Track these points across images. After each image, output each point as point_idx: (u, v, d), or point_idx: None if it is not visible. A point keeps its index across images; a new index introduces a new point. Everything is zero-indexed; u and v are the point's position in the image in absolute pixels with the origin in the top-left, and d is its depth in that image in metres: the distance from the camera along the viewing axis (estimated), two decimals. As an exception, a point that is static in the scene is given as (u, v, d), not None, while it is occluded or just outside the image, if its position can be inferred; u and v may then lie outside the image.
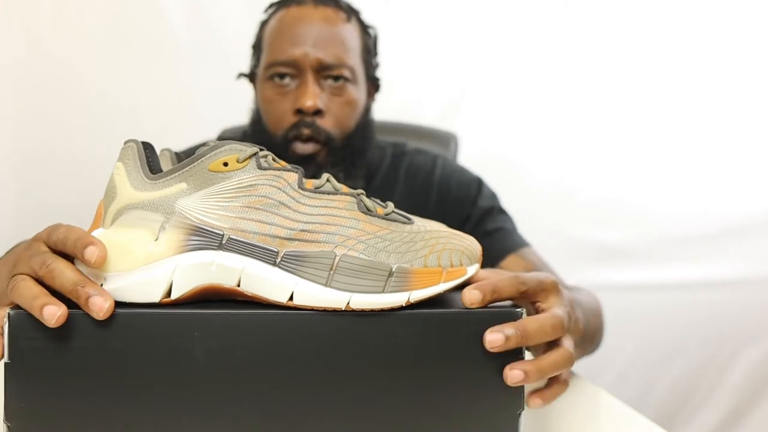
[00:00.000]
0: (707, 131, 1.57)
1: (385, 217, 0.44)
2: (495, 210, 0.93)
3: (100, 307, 0.39)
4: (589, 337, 0.69)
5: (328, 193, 0.44)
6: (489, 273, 0.48)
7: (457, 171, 0.97)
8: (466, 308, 0.43)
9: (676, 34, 1.55)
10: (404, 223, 0.44)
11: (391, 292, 0.41)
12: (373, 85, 0.94)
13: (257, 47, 0.92)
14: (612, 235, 1.57)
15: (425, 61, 1.53)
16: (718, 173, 1.57)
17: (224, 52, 1.40)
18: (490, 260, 0.79)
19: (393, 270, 0.42)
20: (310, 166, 0.84)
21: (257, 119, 0.91)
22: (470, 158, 1.23)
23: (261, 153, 0.44)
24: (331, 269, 0.41)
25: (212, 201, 0.42)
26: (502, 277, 0.44)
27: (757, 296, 1.58)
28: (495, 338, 0.41)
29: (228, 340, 0.41)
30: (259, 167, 0.43)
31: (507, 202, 0.97)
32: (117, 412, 0.41)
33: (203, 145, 0.45)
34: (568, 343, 0.46)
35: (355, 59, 0.88)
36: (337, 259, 0.41)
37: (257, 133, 0.90)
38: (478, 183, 0.95)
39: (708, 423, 1.60)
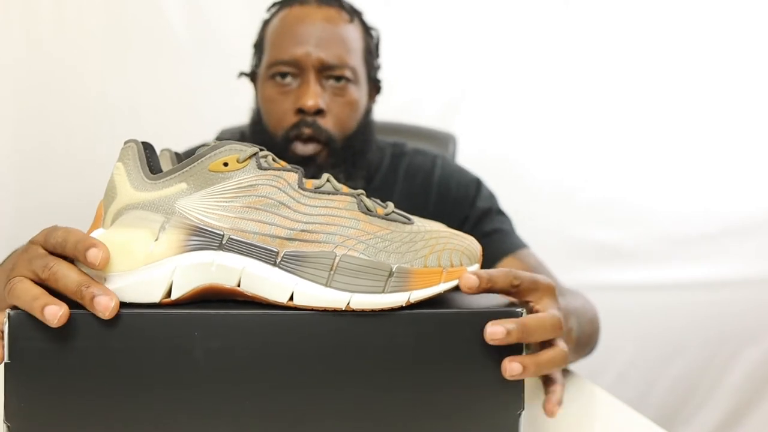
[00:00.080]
0: (707, 131, 1.57)
1: (385, 217, 0.44)
2: (493, 211, 0.93)
3: (105, 306, 0.39)
4: (582, 345, 0.70)
5: (329, 193, 0.44)
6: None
7: (456, 171, 0.97)
8: (467, 308, 0.43)
9: (676, 34, 1.55)
10: (404, 223, 0.44)
11: (391, 292, 0.41)
12: (375, 86, 0.94)
13: (259, 46, 0.92)
14: (612, 235, 1.57)
15: (425, 61, 1.53)
16: (718, 173, 1.57)
17: (224, 52, 1.40)
18: (487, 262, 0.79)
19: (393, 270, 0.42)
20: (310, 167, 0.84)
21: (257, 119, 0.91)
22: (470, 158, 1.23)
23: (261, 153, 0.44)
24: (331, 269, 0.41)
25: (212, 201, 0.42)
26: (498, 269, 0.45)
27: (757, 296, 1.58)
28: (496, 330, 0.41)
29: (228, 340, 0.41)
30: (260, 167, 0.43)
31: (507, 203, 0.97)
32: (117, 413, 0.41)
33: (203, 145, 0.45)
34: (562, 344, 0.46)
35: (357, 60, 0.88)
36: (338, 259, 0.41)
37: (257, 132, 0.89)
38: (477, 184, 0.95)
39: (708, 423, 1.60)
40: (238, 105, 1.00)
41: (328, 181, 0.45)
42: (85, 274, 0.40)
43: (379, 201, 0.45)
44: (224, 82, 1.31)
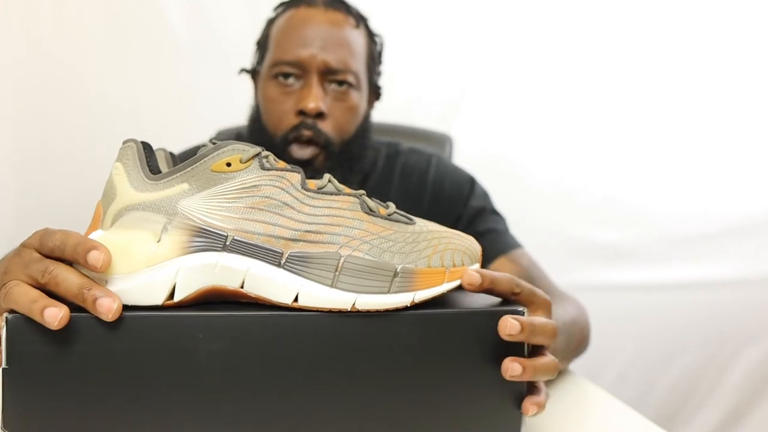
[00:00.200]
0: (707, 131, 1.57)
1: (388, 217, 0.44)
2: (487, 210, 0.93)
3: (108, 308, 0.38)
4: (566, 360, 0.70)
5: (331, 194, 0.43)
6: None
7: (450, 170, 0.97)
8: (473, 308, 0.43)
9: (675, 34, 1.55)
10: (406, 223, 0.44)
11: (396, 292, 0.41)
12: (374, 93, 0.94)
13: (262, 44, 0.92)
14: (612, 235, 1.57)
15: (425, 61, 1.53)
16: (718, 173, 1.57)
17: (224, 52, 1.40)
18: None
19: (398, 270, 0.42)
20: (306, 170, 0.84)
21: (256, 116, 0.90)
22: (470, 158, 1.23)
23: (263, 153, 0.44)
24: (336, 270, 0.41)
25: (215, 202, 0.41)
26: (502, 273, 0.46)
27: (757, 296, 1.58)
28: (515, 324, 0.42)
29: (233, 343, 0.40)
30: (262, 168, 0.43)
31: (507, 202, 0.97)
32: (119, 418, 0.40)
33: (201, 146, 0.45)
34: (551, 356, 0.47)
35: (360, 65, 0.88)
36: (342, 260, 0.41)
37: (256, 130, 0.89)
38: (471, 182, 0.95)
39: (708, 423, 1.60)
40: (238, 105, 1.00)
41: (329, 181, 0.45)
42: (86, 276, 0.40)
43: (379, 201, 0.45)
44: (224, 82, 1.31)
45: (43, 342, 0.39)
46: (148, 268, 0.40)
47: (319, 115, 0.84)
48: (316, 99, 0.83)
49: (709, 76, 1.56)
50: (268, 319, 0.41)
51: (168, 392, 0.40)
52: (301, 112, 0.84)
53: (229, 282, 0.41)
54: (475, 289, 0.44)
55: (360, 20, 0.90)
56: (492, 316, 0.43)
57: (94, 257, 0.38)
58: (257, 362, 0.41)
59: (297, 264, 0.41)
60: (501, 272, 0.46)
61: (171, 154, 0.48)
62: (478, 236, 0.87)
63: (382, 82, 0.96)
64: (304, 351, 0.41)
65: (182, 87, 1.44)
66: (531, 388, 0.46)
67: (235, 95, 1.11)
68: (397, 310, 0.42)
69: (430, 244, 0.44)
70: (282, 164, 0.44)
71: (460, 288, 0.44)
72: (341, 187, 0.45)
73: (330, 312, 0.41)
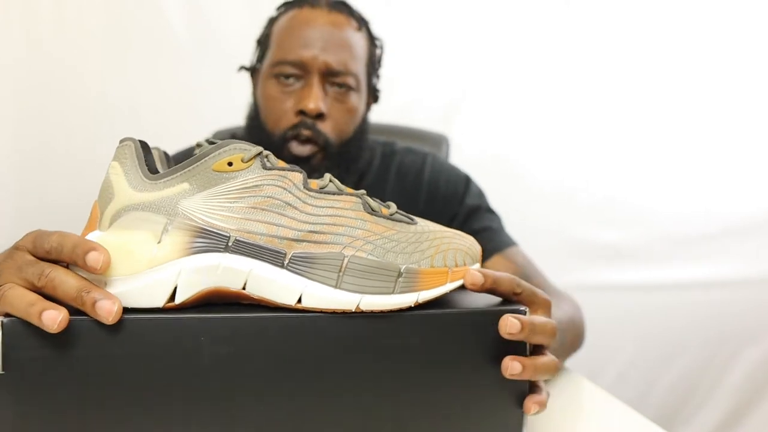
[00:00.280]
0: (707, 131, 1.57)
1: (390, 217, 0.43)
2: (482, 209, 0.93)
3: (108, 310, 0.37)
4: (564, 353, 0.71)
5: (333, 194, 0.43)
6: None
7: (446, 169, 0.97)
8: (477, 308, 0.43)
9: (676, 34, 1.55)
10: (408, 223, 0.44)
11: (400, 292, 0.41)
12: (373, 95, 0.95)
13: (263, 43, 0.92)
14: (612, 235, 1.57)
15: (425, 62, 1.53)
16: (718, 173, 1.57)
17: (224, 52, 1.40)
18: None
19: (402, 270, 0.41)
20: (303, 169, 0.84)
21: (255, 114, 0.90)
22: (471, 159, 1.23)
23: (264, 152, 0.43)
24: (340, 270, 0.40)
25: (216, 202, 0.41)
26: (504, 274, 0.46)
27: (757, 296, 1.58)
28: (516, 323, 0.42)
29: (236, 345, 0.40)
30: (264, 167, 0.42)
31: (508, 203, 0.97)
32: (120, 424, 0.39)
33: (197, 146, 0.44)
34: (551, 355, 0.47)
35: (360, 68, 0.88)
36: (346, 260, 0.41)
37: (254, 128, 0.89)
38: (466, 181, 0.96)
39: (708, 423, 1.60)
40: (238, 105, 1.00)
41: (330, 181, 0.44)
42: (85, 278, 0.39)
43: (380, 201, 0.45)
44: (224, 82, 1.31)
45: (40, 346, 0.38)
46: (150, 269, 0.39)
47: (319, 115, 0.84)
48: (316, 100, 0.83)
49: (709, 76, 1.56)
50: (271, 321, 0.40)
51: (170, 397, 0.39)
52: (301, 112, 0.84)
53: (232, 283, 0.40)
54: (477, 289, 0.44)
55: (362, 23, 0.90)
56: (495, 316, 0.42)
57: (94, 258, 0.37)
58: (261, 365, 0.40)
59: (300, 265, 0.40)
60: (501, 272, 0.46)
61: (165, 153, 0.47)
62: (474, 234, 0.87)
63: (382, 84, 0.96)
64: (308, 353, 0.41)
65: (182, 87, 1.44)
66: (532, 387, 0.46)
67: (234, 95, 1.11)
68: (400, 310, 0.42)
69: (433, 244, 0.43)
70: (282, 164, 0.44)
71: (461, 288, 0.44)
72: (343, 186, 0.45)
73: (334, 313, 0.41)
